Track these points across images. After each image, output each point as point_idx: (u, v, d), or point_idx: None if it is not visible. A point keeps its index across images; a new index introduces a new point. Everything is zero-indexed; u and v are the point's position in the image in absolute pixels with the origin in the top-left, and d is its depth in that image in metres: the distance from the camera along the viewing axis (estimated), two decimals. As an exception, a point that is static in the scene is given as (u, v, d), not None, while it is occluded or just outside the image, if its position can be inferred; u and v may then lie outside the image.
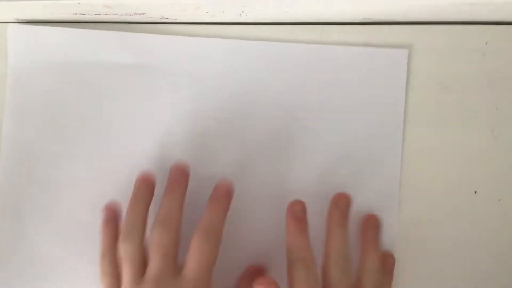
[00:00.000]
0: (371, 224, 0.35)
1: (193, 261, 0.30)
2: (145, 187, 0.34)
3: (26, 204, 0.37)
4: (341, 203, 0.35)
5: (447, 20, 0.37)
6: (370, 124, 0.36)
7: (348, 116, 0.36)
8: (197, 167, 0.36)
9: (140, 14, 0.37)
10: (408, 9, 0.35)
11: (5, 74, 0.38)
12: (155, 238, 0.31)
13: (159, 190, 0.35)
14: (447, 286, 0.36)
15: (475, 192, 0.36)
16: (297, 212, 0.34)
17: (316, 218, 0.35)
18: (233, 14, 0.36)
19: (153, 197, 0.35)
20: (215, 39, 0.37)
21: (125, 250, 0.31)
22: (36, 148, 0.37)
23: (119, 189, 0.37)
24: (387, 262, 0.35)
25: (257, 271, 0.35)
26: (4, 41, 0.38)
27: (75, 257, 0.37)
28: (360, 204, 0.36)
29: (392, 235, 0.36)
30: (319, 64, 0.36)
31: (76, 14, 0.37)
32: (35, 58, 0.38)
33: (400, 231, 0.36)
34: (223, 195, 0.33)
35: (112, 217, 0.35)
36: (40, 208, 0.37)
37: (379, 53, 0.36)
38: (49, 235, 0.37)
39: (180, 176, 0.33)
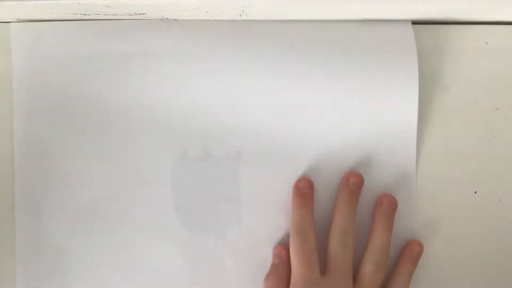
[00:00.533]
0: (385, 202, 0.35)
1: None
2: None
3: (43, 200, 0.38)
4: (351, 181, 0.35)
5: (447, 20, 0.37)
6: (383, 100, 0.36)
7: (361, 91, 0.36)
8: (210, 147, 0.37)
9: (140, 14, 0.37)
10: (408, 9, 0.35)
11: (7, 73, 0.38)
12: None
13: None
14: (447, 285, 0.36)
15: (475, 192, 0.36)
16: (302, 188, 0.35)
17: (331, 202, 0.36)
18: (233, 14, 0.36)
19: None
20: (217, 21, 0.37)
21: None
22: (49, 144, 0.38)
23: (135, 178, 0.37)
24: (413, 249, 0.35)
25: None
26: (4, 41, 0.38)
27: (96, 249, 0.37)
28: (375, 185, 0.36)
29: (411, 220, 0.36)
30: (325, 42, 0.36)
31: (76, 14, 0.37)
32: (39, 55, 0.38)
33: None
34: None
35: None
36: (58, 203, 0.37)
37: (382, 27, 0.36)
38: (68, 229, 0.37)
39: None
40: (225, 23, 0.37)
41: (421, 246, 0.35)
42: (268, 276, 0.34)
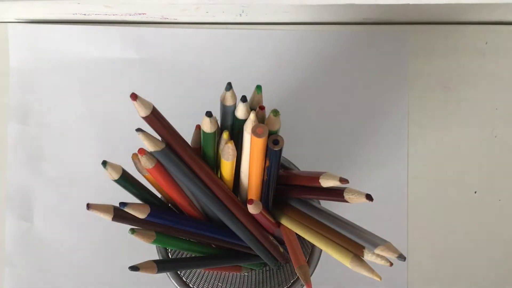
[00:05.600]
0: None
1: None
2: None
3: (35, 201, 0.37)
4: None
5: (447, 20, 0.37)
6: (375, 102, 0.36)
7: (353, 94, 0.36)
8: None
9: (140, 14, 0.37)
10: (408, 9, 0.35)
11: (6, 73, 0.38)
12: None
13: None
14: (446, 285, 0.36)
15: (475, 192, 0.36)
16: None
17: None
18: (233, 14, 0.36)
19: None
20: (215, 30, 0.37)
21: None
22: (42, 146, 0.38)
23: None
24: None
25: None
26: (4, 41, 0.38)
27: (85, 253, 0.37)
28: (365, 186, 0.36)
29: (402, 231, 0.36)
30: (320, 45, 0.36)
31: (76, 14, 0.37)
32: (37, 56, 0.38)
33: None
34: None
35: None
36: (49, 205, 0.37)
37: (378, 30, 0.37)
38: (58, 231, 0.37)
39: None
40: (220, 32, 0.37)
41: None
42: None
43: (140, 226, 0.24)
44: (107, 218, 0.23)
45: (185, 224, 0.26)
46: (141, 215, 0.23)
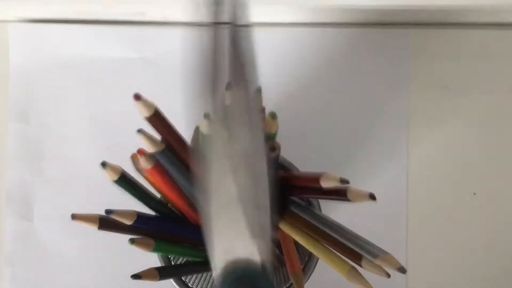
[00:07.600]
0: None
1: None
2: None
3: (35, 201, 0.37)
4: None
5: (448, 23, 0.37)
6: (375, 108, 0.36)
7: (354, 98, 0.36)
8: None
9: (140, 13, 0.37)
10: (409, 12, 0.35)
11: (6, 73, 0.38)
12: None
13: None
14: (447, 285, 0.36)
15: (475, 193, 0.36)
16: None
17: None
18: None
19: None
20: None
21: None
22: (43, 145, 0.38)
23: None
24: None
25: None
26: (4, 41, 0.38)
27: (86, 253, 0.37)
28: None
29: (401, 232, 0.36)
30: (321, 46, 0.36)
31: (76, 13, 0.37)
32: (37, 56, 0.38)
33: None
34: None
35: None
36: (49, 205, 0.37)
37: (379, 32, 0.36)
38: (58, 231, 0.37)
39: None
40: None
41: None
42: None
43: (128, 234, 0.24)
44: (93, 227, 0.22)
45: (174, 228, 0.26)
46: (128, 222, 0.23)
